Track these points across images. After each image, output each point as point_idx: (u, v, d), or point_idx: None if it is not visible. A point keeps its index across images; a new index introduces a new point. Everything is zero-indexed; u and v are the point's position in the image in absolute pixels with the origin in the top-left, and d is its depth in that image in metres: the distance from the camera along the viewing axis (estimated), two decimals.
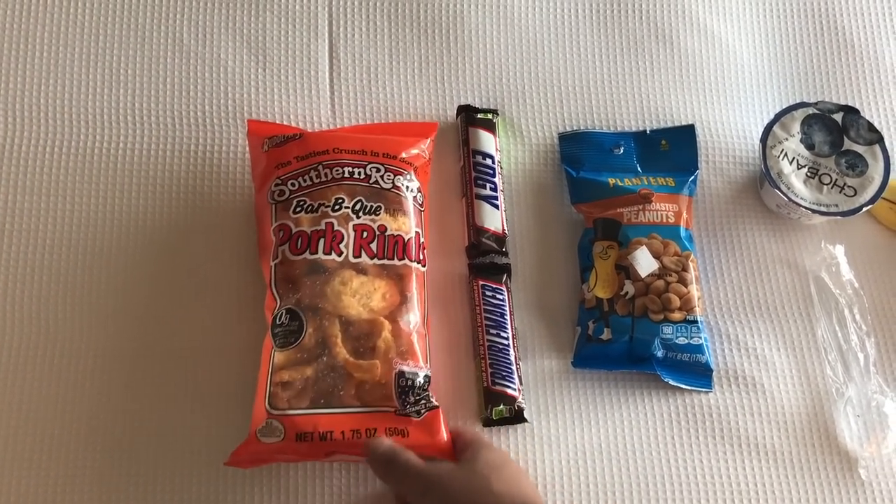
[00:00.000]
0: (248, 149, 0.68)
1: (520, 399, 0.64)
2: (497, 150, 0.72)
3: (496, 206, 0.70)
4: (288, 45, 0.75)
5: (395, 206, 0.63)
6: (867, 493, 0.65)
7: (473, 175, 0.71)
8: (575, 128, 0.75)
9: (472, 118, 0.73)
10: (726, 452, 0.66)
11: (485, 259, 0.69)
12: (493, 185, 0.70)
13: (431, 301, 0.66)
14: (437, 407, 0.60)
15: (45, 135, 0.70)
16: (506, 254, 0.69)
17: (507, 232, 0.70)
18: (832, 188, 0.70)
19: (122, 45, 0.74)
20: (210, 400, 0.64)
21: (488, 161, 0.71)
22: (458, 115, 0.74)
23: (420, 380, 0.60)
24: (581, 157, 0.73)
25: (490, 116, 0.73)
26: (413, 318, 0.61)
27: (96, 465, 0.62)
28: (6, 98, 0.71)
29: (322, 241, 0.61)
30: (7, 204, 0.68)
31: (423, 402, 0.59)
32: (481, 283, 0.68)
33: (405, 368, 0.59)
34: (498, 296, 0.67)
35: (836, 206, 0.69)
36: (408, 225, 0.63)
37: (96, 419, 0.63)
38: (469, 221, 0.70)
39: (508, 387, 0.64)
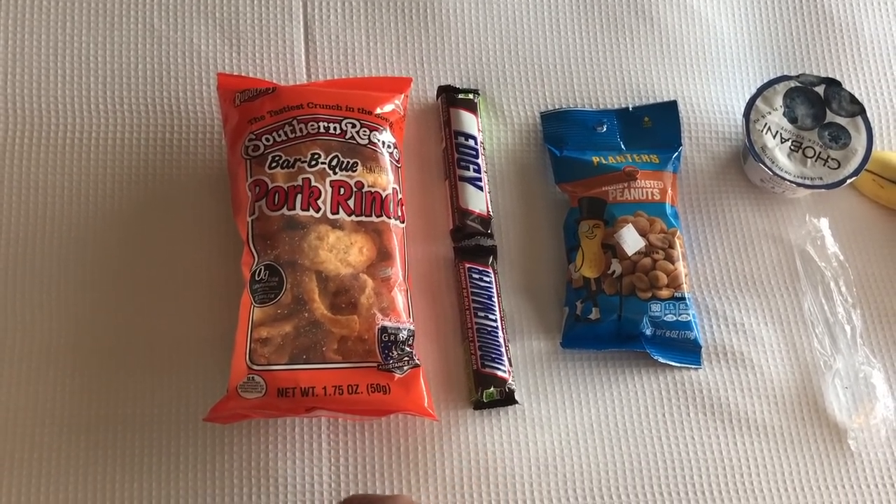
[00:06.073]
0: (217, 104, 0.66)
1: (510, 381, 0.64)
2: (479, 130, 0.71)
3: (480, 188, 0.69)
4: (262, 27, 0.74)
5: (371, 162, 0.63)
6: (857, 464, 0.65)
7: (456, 157, 0.69)
8: (557, 106, 0.74)
9: (452, 99, 0.71)
10: (717, 428, 0.66)
11: (470, 242, 0.68)
12: (476, 167, 0.69)
13: (417, 286, 0.65)
14: (419, 366, 0.60)
15: (13, 126, 0.68)
16: (491, 236, 0.68)
17: (491, 214, 0.69)
18: (816, 161, 0.70)
19: (91, 31, 0.72)
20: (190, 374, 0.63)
21: (471, 142, 0.70)
22: (438, 95, 0.72)
23: (403, 335, 0.59)
24: (564, 135, 0.72)
25: (471, 96, 0.72)
26: (394, 274, 0.61)
27: (80, 457, 0.61)
28: None
29: (299, 196, 0.60)
30: None
31: (406, 358, 0.59)
32: (468, 265, 0.67)
33: (387, 324, 0.59)
34: (485, 278, 0.67)
35: (821, 178, 0.69)
36: (385, 181, 0.63)
37: (76, 408, 0.62)
38: (453, 204, 0.69)
39: (498, 369, 0.64)
